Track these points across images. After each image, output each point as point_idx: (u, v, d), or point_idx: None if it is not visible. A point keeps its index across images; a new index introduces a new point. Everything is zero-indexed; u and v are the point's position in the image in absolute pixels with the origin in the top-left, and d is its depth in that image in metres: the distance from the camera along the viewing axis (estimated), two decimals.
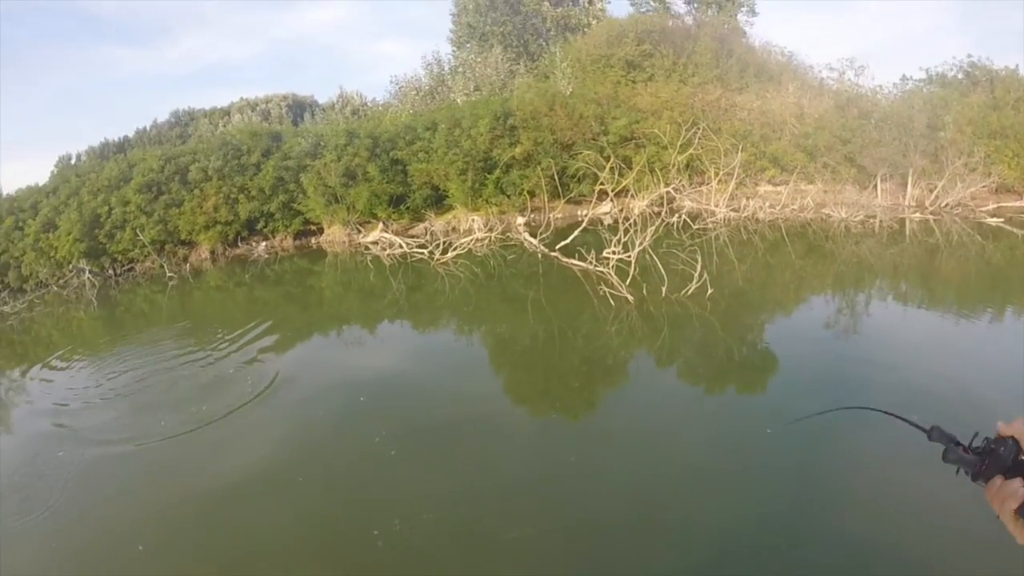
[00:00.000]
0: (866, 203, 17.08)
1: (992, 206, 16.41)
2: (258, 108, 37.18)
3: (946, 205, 16.55)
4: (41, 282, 21.38)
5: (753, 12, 28.02)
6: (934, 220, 16.06)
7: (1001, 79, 18.97)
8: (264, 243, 21.49)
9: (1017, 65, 19.66)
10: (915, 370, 7.95)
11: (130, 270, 21.71)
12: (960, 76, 20.00)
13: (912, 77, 21.07)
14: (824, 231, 15.81)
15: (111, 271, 21.72)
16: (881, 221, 16.15)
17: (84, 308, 17.94)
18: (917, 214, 16.59)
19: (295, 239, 21.24)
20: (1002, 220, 15.60)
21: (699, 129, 16.74)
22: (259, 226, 21.50)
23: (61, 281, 20.98)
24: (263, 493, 6.29)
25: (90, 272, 20.64)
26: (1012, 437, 1.13)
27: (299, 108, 36.68)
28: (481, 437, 7.19)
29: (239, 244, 21.73)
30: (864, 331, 9.82)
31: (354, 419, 7.90)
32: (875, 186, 17.53)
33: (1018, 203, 16.83)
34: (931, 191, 16.85)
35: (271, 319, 12.94)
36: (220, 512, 6.07)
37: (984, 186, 16.69)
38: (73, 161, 33.33)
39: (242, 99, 38.93)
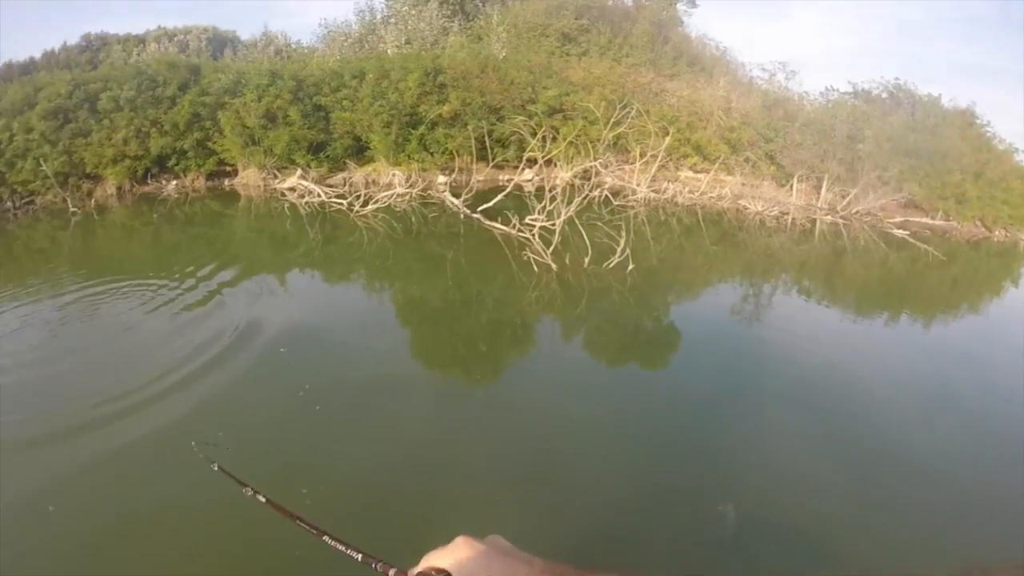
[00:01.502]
0: (781, 200, 17.58)
1: (899, 219, 17.22)
2: (176, 39, 34.38)
3: (856, 212, 17.25)
4: None
5: (693, 3, 28.17)
6: (843, 224, 16.72)
7: (923, 104, 19.90)
8: (175, 182, 20.01)
9: (940, 94, 20.76)
10: (807, 360, 8.40)
11: (30, 203, 19.72)
12: (884, 95, 20.85)
13: (838, 89, 21.87)
14: (739, 222, 16.17)
15: (9, 203, 19.72)
16: (794, 219, 16.65)
17: None
18: (828, 217, 17.22)
19: (208, 179, 19.87)
20: (907, 233, 16.39)
21: (631, 109, 16.65)
22: (170, 163, 19.98)
23: None
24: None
25: None
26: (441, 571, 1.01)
27: (219, 43, 34.30)
28: (389, 396, 6.95)
29: (148, 181, 20.12)
30: (766, 319, 10.22)
31: (279, 370, 7.52)
32: (791, 185, 18.05)
33: (924, 219, 17.71)
34: (844, 197, 17.51)
35: (180, 263, 12.11)
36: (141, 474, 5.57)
37: (894, 200, 17.50)
38: None
39: (159, 28, 35.88)
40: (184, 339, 8.48)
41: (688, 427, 6.47)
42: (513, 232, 11.80)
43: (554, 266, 10.44)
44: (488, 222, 12.73)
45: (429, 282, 11.26)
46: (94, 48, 34.24)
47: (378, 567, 1.27)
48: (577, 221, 11.33)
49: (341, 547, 1.46)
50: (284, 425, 6.24)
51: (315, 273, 11.79)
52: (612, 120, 16.44)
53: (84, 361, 7.96)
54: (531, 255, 10.60)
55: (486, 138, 17.32)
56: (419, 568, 1.01)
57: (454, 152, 17.51)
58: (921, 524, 5.14)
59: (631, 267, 10.40)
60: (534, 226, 11.47)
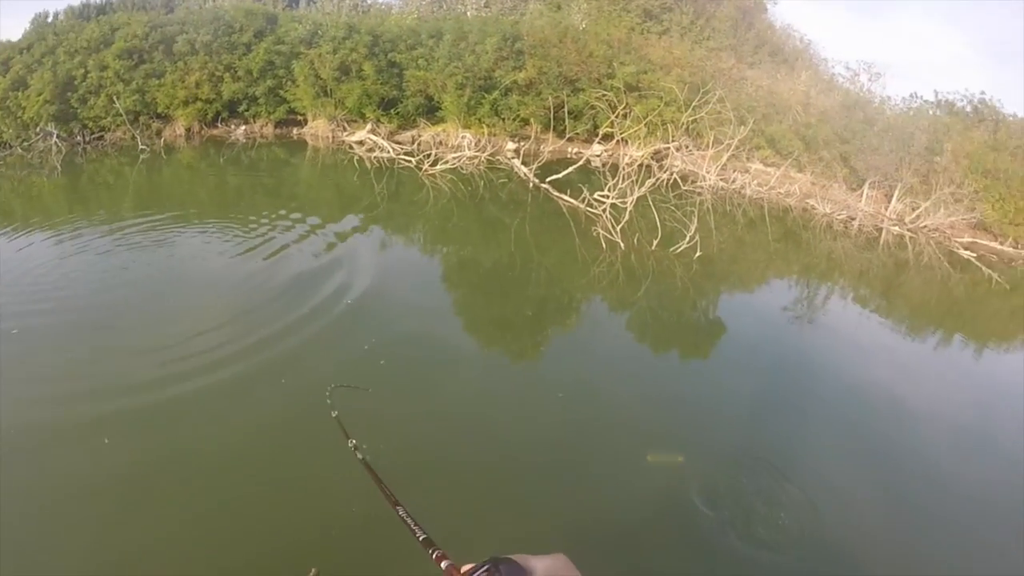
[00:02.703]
0: (850, 205, 17.17)
1: (967, 239, 16.70)
2: None
3: (924, 226, 16.76)
4: (4, 143, 20.04)
5: None
6: (910, 237, 16.27)
7: (1007, 123, 19.13)
8: (244, 127, 20.42)
9: None
10: (852, 372, 8.21)
11: (100, 138, 20.40)
12: (968, 109, 20.09)
13: (922, 96, 21.12)
14: (804, 221, 15.87)
15: (80, 137, 20.38)
16: (860, 225, 16.28)
17: (48, 174, 16.94)
18: (895, 227, 16.77)
19: (276, 127, 20.23)
20: (974, 255, 15.89)
21: (713, 94, 16.36)
22: (241, 108, 20.39)
23: (26, 144, 19.67)
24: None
25: (58, 136, 19.40)
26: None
27: None
28: (439, 356, 7.25)
29: (217, 125, 20.60)
30: (817, 324, 10.06)
31: (344, 321, 7.83)
32: (862, 191, 17.63)
33: (992, 244, 17.16)
34: (914, 209, 17.02)
35: (242, 209, 12.40)
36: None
37: (965, 219, 16.92)
38: (50, 20, 30.83)
39: None
40: (246, 286, 8.87)
41: (721, 424, 6.39)
42: (581, 206, 11.81)
43: (622, 244, 10.43)
44: (556, 193, 12.75)
45: (489, 248, 11.37)
46: None
47: (434, 555, 1.36)
48: (650, 202, 11.28)
49: (409, 521, 1.56)
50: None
51: (378, 228, 11.94)
52: (692, 104, 16.19)
53: (144, 294, 8.49)
54: (601, 231, 10.59)
55: (557, 109, 17.21)
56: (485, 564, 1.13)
57: (526, 120, 17.46)
58: (953, 551, 5.08)
59: (698, 254, 10.33)
60: (603, 202, 11.44)
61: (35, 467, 5.10)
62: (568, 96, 17.55)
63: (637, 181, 11.55)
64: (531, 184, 13.63)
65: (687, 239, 10.38)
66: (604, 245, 10.43)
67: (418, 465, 5.16)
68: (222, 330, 7.32)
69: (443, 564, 1.27)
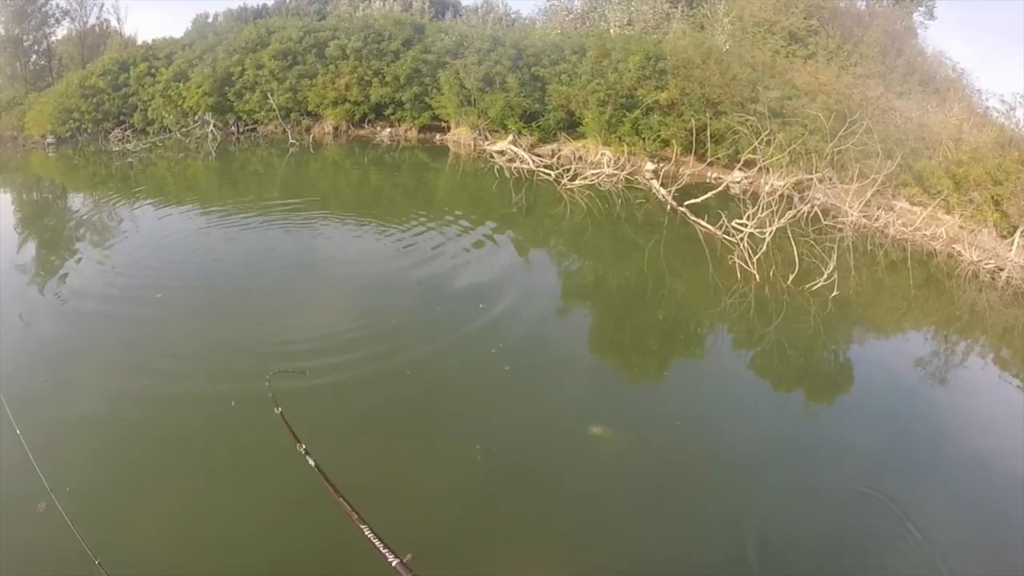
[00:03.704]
0: (1000, 253, 16.32)
1: None
2: None
3: None
4: (165, 127, 22.59)
5: (931, 15, 26.09)
6: None
7: None
8: (388, 129, 21.87)
9: None
10: (982, 439, 7.52)
11: (253, 130, 22.65)
12: None
13: None
14: (948, 268, 15.17)
15: (234, 128, 22.79)
16: (1009, 277, 15.42)
17: (203, 158, 18.78)
18: None
19: (420, 132, 21.56)
20: None
21: (860, 124, 16.01)
22: (387, 112, 21.93)
23: (184, 129, 22.18)
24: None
25: (214, 125, 21.54)
26: None
27: (441, 6, 36.26)
28: (556, 371, 7.79)
29: (364, 126, 22.27)
30: (951, 384, 9.30)
31: (479, 323, 8.53)
32: (1013, 238, 16.71)
33: None
34: None
35: (382, 207, 13.27)
36: None
37: None
38: (210, 20, 33.97)
39: None
40: (380, 281, 9.94)
41: (838, 478, 6.15)
42: (718, 233, 11.98)
43: (757, 276, 10.56)
44: (694, 218, 12.98)
45: (621, 267, 11.74)
46: (322, 0, 37.19)
47: None
48: (789, 234, 11.31)
49: (378, 544, 1.44)
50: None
51: (513, 236, 12.58)
52: (838, 135, 15.92)
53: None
54: (737, 260, 10.76)
55: (699, 132, 17.32)
56: None
57: (666, 140, 17.68)
58: None
59: (835, 294, 10.27)
60: (741, 231, 11.56)
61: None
62: (710, 119, 17.62)
63: (777, 212, 11.61)
64: (669, 206, 13.91)
65: (824, 277, 10.35)
66: (739, 275, 10.59)
67: (511, 471, 5.71)
68: (352, 324, 8.30)
69: None
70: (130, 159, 19.62)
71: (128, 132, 23.38)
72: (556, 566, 4.76)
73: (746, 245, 11.08)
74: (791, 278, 10.58)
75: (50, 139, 24.00)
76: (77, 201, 16.05)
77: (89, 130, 23.86)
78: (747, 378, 8.29)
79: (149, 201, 14.56)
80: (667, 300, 10.47)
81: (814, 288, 10.37)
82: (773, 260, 11.05)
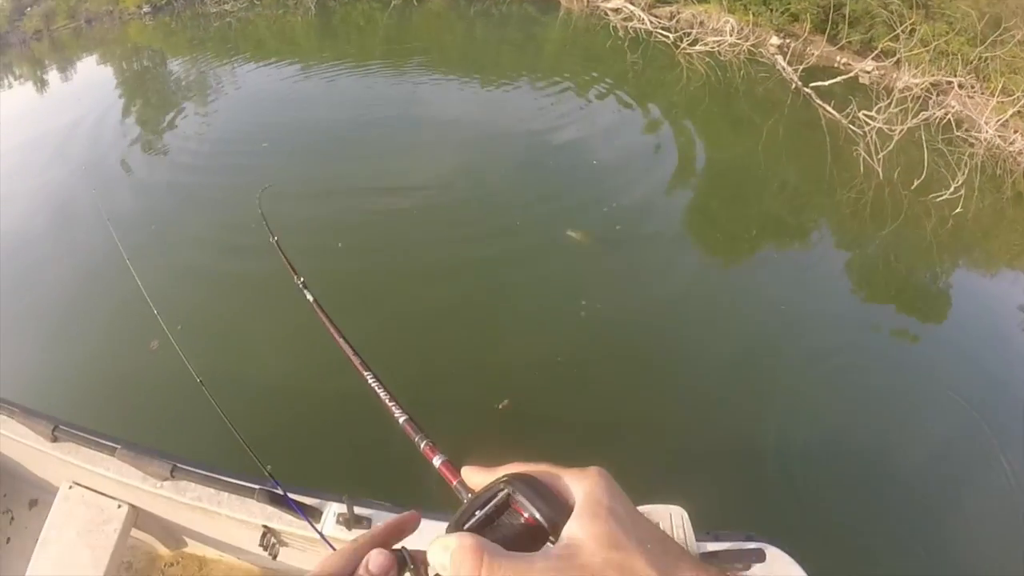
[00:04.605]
0: None
1: None
2: None
3: None
4: None
5: None
6: None
7: None
8: None
9: None
10: None
11: None
12: None
13: None
14: None
15: None
16: None
17: (302, 14, 18.11)
18: None
19: None
20: None
21: (1014, 34, 14.43)
22: None
23: None
24: None
25: None
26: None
27: None
28: (659, 240, 7.93)
29: None
30: None
31: (590, 181, 8.54)
32: None
33: None
34: None
35: (488, 62, 12.73)
36: None
37: None
38: None
39: None
40: (481, 138, 9.87)
41: (917, 413, 5.76)
42: (844, 121, 11.21)
43: (881, 174, 9.92)
44: (819, 101, 12.10)
45: (735, 144, 11.21)
46: None
47: (423, 445, 1.00)
48: (919, 137, 10.54)
49: (383, 395, 1.21)
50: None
51: (624, 99, 12.03)
52: (988, 40, 14.44)
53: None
54: (862, 153, 10.10)
55: (835, 10, 15.86)
56: (508, 470, 0.71)
57: (795, 15, 16.28)
58: None
59: (957, 210, 9.60)
60: (870, 123, 10.80)
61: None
62: None
63: (910, 110, 10.78)
64: (793, 86, 12.97)
65: (951, 190, 9.66)
66: (862, 169, 9.97)
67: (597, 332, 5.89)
68: (452, 175, 8.48)
69: (436, 460, 0.92)
70: (228, 19, 19.21)
71: None
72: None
73: (873, 139, 10.34)
74: (915, 183, 9.90)
75: (146, 8, 23.59)
76: (176, 64, 15.96)
77: None
78: (843, 280, 8.01)
79: (248, 58, 14.41)
80: (780, 184, 10.00)
81: (938, 199, 9.69)
82: (898, 162, 10.31)
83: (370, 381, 1.21)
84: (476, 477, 0.75)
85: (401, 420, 1.08)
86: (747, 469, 4.90)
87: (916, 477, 5.03)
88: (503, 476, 0.68)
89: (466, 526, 0.64)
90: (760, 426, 5.18)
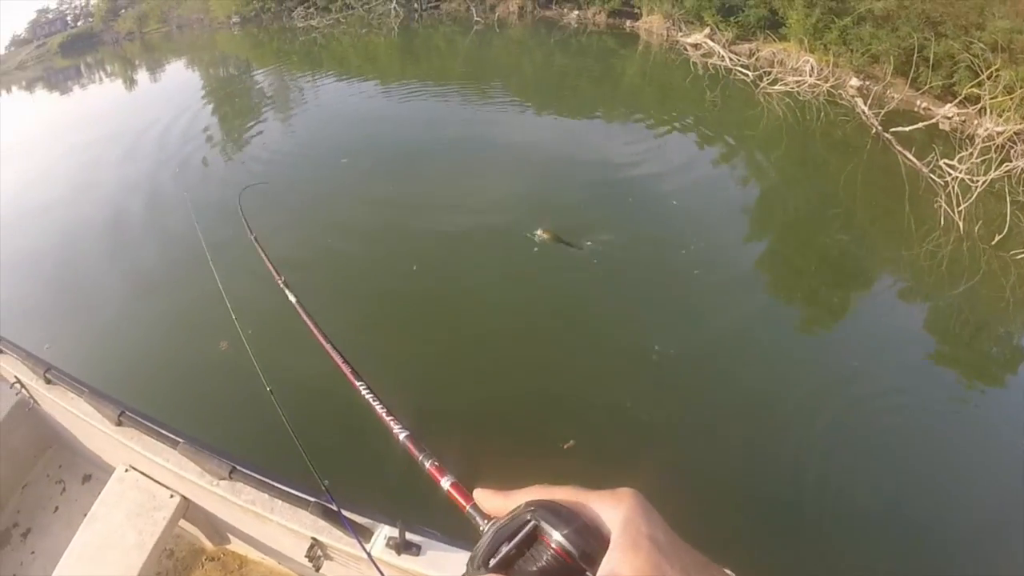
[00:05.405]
0: None
1: None
2: None
3: None
4: (347, 4, 22.66)
5: None
6: None
7: None
8: (576, 12, 21.18)
9: None
10: None
11: (436, 7, 22.43)
12: None
13: None
14: None
15: (416, 5, 22.55)
16: None
17: (385, 34, 18.86)
18: None
19: (609, 17, 20.67)
20: None
21: None
22: None
23: (367, 6, 22.04)
24: None
25: (397, 2, 21.41)
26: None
27: None
28: (726, 283, 8.07)
29: (550, 6, 21.61)
30: None
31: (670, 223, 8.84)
32: None
33: None
34: None
35: (566, 94, 12.97)
36: None
37: None
38: None
39: None
40: (559, 164, 10.27)
41: (982, 488, 5.54)
42: (925, 170, 11.21)
43: (962, 227, 9.89)
44: (900, 148, 12.12)
45: (810, 187, 11.25)
46: None
47: (427, 465, 0.94)
48: (1003, 189, 10.47)
49: (380, 409, 1.21)
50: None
51: (702, 134, 12.30)
52: None
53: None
54: (943, 205, 10.10)
55: (917, 53, 15.74)
56: (528, 494, 0.66)
57: (875, 57, 16.22)
58: None
59: None
60: (952, 173, 10.77)
61: None
62: (928, 39, 15.92)
63: (994, 160, 10.73)
64: (873, 130, 13.00)
65: None
66: (942, 222, 9.97)
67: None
68: (527, 203, 8.88)
69: (444, 482, 0.86)
70: (314, 35, 20.23)
71: (311, 10, 23.84)
72: None
73: (955, 190, 10.33)
74: (996, 239, 9.82)
75: (235, 19, 25.10)
76: (262, 74, 16.84)
77: (272, 9, 24.95)
78: (913, 338, 7.79)
79: (332, 74, 15.12)
80: (854, 234, 10.01)
81: (1018, 257, 9.49)
82: (978, 215, 10.25)
83: (371, 402, 1.30)
84: (491, 501, 0.71)
85: (401, 437, 1.05)
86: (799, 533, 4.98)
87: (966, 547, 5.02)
88: (527, 503, 0.64)
89: (492, 562, 0.60)
90: (809, 479, 5.29)
